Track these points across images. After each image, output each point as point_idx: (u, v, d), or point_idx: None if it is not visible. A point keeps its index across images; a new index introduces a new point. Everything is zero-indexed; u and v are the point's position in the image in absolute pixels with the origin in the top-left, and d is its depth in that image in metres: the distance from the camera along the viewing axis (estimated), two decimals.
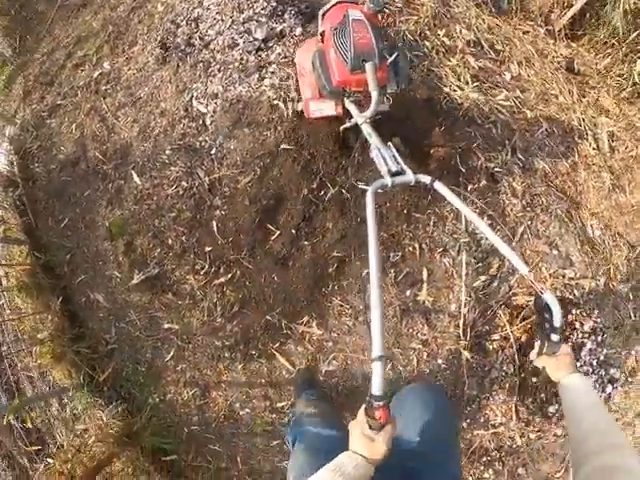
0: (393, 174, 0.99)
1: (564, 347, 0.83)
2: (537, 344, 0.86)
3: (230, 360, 1.58)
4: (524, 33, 1.95)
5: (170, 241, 1.61)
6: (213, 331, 1.58)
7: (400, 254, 1.42)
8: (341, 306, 1.46)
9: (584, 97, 1.89)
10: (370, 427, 0.66)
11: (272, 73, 1.55)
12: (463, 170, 1.54)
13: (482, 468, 1.49)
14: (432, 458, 0.83)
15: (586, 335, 1.36)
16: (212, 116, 1.61)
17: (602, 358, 1.40)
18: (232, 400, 1.57)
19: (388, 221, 1.43)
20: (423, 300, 1.42)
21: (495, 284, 1.46)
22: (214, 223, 1.56)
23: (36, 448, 1.48)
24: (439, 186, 0.96)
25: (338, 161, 1.45)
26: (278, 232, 1.48)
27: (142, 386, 1.55)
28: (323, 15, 1.24)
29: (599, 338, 1.38)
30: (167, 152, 1.67)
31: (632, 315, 1.66)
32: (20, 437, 1.51)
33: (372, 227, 0.83)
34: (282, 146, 1.46)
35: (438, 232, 1.45)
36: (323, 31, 1.19)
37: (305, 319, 1.52)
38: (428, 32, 1.89)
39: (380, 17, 1.23)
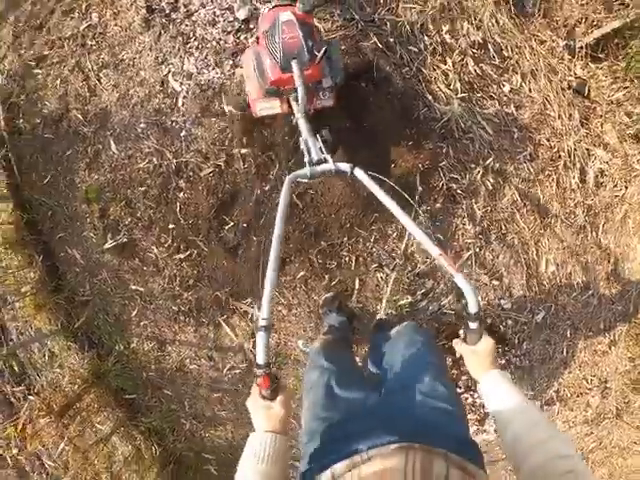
0: (314, 163, 1.02)
1: (484, 340, 0.76)
2: (462, 332, 0.82)
3: (184, 323, 1.79)
4: (540, 43, 1.75)
5: (139, 213, 1.74)
6: (171, 297, 1.77)
7: (336, 263, 1.51)
8: (277, 297, 1.60)
9: (585, 125, 1.74)
10: (264, 398, 0.69)
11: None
12: (420, 188, 1.54)
13: None
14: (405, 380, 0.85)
15: None
16: (184, 97, 1.62)
17: None
18: (183, 356, 1.82)
19: (330, 232, 1.49)
20: (352, 307, 1.53)
21: (424, 303, 1.55)
22: (178, 204, 1.66)
23: (21, 388, 1.76)
24: (359, 173, 0.98)
25: (288, 161, 1.47)
26: (231, 223, 1.58)
27: (110, 335, 1.80)
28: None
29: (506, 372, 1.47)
30: (142, 125, 1.72)
31: (564, 351, 1.73)
32: (8, 380, 1.78)
33: (281, 213, 0.87)
34: (241, 143, 1.49)
35: (377, 248, 1.51)
36: (258, 35, 1.19)
37: (249, 300, 1.69)
38: (431, 26, 1.73)
39: (312, 15, 1.20)
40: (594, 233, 1.77)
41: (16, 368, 1.78)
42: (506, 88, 1.77)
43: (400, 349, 0.99)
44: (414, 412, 0.75)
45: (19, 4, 2.02)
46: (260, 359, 0.69)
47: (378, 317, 1.55)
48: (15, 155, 1.83)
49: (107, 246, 1.76)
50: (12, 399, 1.77)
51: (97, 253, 1.80)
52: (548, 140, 1.74)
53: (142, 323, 1.82)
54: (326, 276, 1.53)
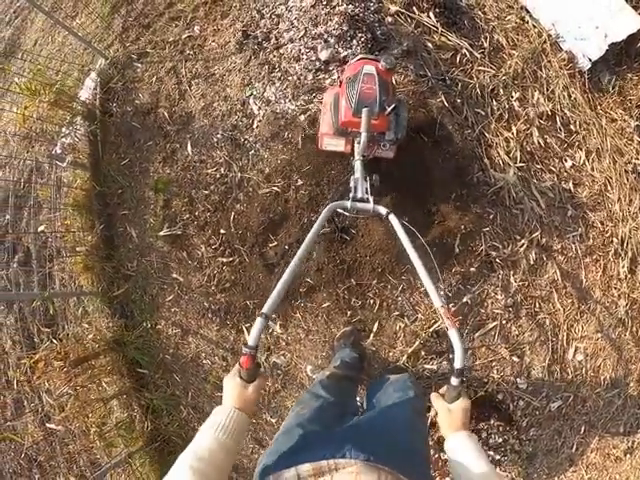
0: (356, 200, 1.12)
1: (462, 400, 0.76)
2: (443, 388, 0.82)
3: (210, 320, 1.93)
4: (611, 121, 1.72)
5: (197, 212, 1.92)
6: (206, 294, 1.91)
7: (360, 302, 1.57)
8: (300, 321, 1.69)
9: None
10: (242, 378, 0.74)
11: (320, 101, 1.65)
12: (457, 250, 1.56)
13: None
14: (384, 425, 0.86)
15: (485, 447, 1.42)
16: (260, 120, 1.79)
17: None
18: (200, 350, 1.95)
19: (362, 272, 1.56)
20: (365, 347, 1.58)
21: (437, 362, 1.56)
22: (232, 214, 1.81)
23: (48, 330, 1.99)
24: (392, 219, 1.06)
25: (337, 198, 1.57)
26: (275, 243, 1.70)
27: (142, 311, 1.98)
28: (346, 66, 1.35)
29: (497, 457, 1.43)
30: (218, 136, 1.91)
31: (574, 447, 1.64)
32: (39, 320, 2.02)
33: (311, 235, 0.96)
34: (300, 173, 1.62)
35: (403, 298, 1.55)
36: (342, 79, 1.32)
37: (273, 316, 1.79)
38: (502, 90, 1.77)
39: (393, 73, 1.32)
40: (634, 329, 1.68)
41: (51, 311, 1.97)
42: (568, 164, 1.75)
43: (390, 392, 1.04)
44: (387, 439, 0.77)
45: (132, 0, 2.23)
46: (251, 340, 0.75)
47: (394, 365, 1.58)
48: (103, 133, 2.06)
49: (162, 233, 1.96)
50: (36, 338, 1.99)
51: (151, 237, 1.99)
52: (602, 223, 1.70)
53: (173, 309, 1.98)
54: (348, 312, 1.59)
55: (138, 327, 1.94)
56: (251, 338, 0.76)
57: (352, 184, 1.17)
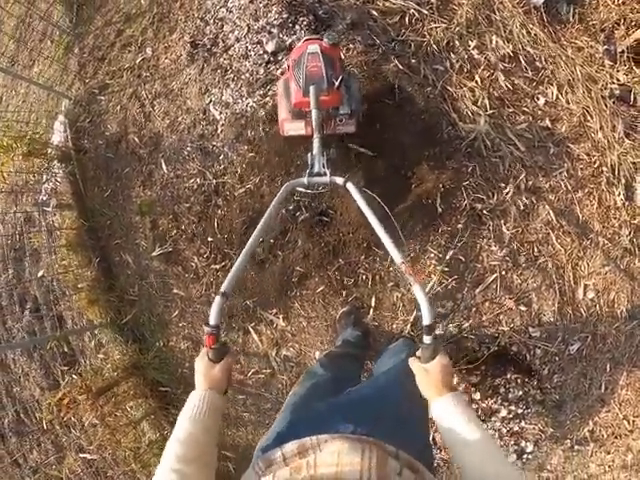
0: (313, 175, 1.13)
1: (439, 359, 0.70)
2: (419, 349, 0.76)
3: None
4: (577, 50, 1.65)
5: (184, 226, 1.95)
6: (207, 302, 1.94)
7: (353, 280, 1.56)
8: (299, 310, 1.70)
9: (630, 136, 1.60)
10: (209, 360, 0.74)
11: (274, 92, 1.65)
12: (440, 210, 1.53)
13: None
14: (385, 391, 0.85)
15: (505, 403, 1.38)
16: (223, 124, 1.80)
17: (516, 429, 1.41)
18: None
19: (347, 250, 1.55)
20: (367, 323, 1.57)
21: (442, 325, 1.53)
22: (216, 220, 1.84)
23: (67, 368, 2.06)
24: (350, 186, 1.07)
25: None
26: (260, 239, 1.71)
27: (152, 332, 2.03)
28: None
29: (520, 410, 1.39)
30: (188, 149, 1.94)
31: (603, 387, 1.58)
32: (57, 358, 2.10)
33: (267, 215, 1.01)
34: (270, 165, 1.62)
35: (394, 268, 1.53)
36: (289, 64, 1.33)
37: (274, 310, 1.80)
38: (457, 42, 1.72)
39: (339, 47, 1.32)
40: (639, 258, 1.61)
41: (66, 350, 2.05)
42: (541, 101, 1.69)
43: (385, 359, 1.04)
44: (376, 407, 0.76)
45: (83, 37, 2.26)
46: (212, 320, 0.76)
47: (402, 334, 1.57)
48: (80, 171, 2.12)
49: (155, 254, 2.00)
50: (60, 379, 2.06)
51: (146, 259, 2.05)
52: (588, 155, 1.63)
53: (181, 324, 2.03)
54: (343, 292, 1.59)
55: (152, 348, 1.99)
56: (211, 317, 0.77)
57: (309, 161, 1.18)
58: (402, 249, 1.34)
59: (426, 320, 0.73)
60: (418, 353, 0.75)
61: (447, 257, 1.48)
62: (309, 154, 1.20)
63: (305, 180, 1.11)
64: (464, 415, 0.63)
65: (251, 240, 0.93)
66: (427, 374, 0.70)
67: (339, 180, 1.09)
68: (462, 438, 0.61)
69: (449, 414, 0.65)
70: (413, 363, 0.74)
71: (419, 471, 0.56)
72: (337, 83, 1.20)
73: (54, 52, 2.29)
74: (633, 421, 1.51)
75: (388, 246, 0.90)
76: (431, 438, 1.48)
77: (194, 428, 0.66)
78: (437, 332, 0.74)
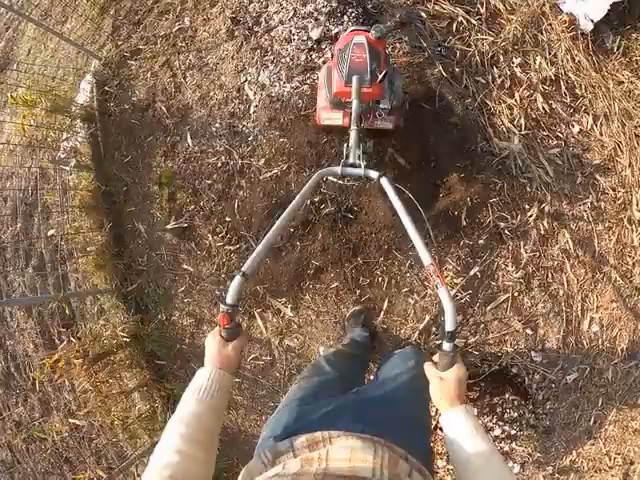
0: (347, 165, 1.10)
1: (456, 368, 0.69)
2: (436, 356, 0.75)
3: None
4: (617, 84, 1.65)
5: (202, 203, 1.93)
6: (216, 282, 1.93)
7: (369, 280, 1.56)
8: (309, 302, 1.70)
9: None
10: (222, 338, 0.73)
11: (314, 80, 1.63)
12: (464, 223, 1.54)
13: None
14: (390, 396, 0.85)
15: (500, 423, 1.40)
16: (256, 105, 1.78)
17: (507, 449, 1.44)
18: None
19: (368, 250, 1.55)
20: (376, 325, 1.58)
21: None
22: (236, 201, 1.82)
23: (64, 329, 2.04)
24: (384, 181, 1.04)
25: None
26: (288, 223, 1.70)
27: (156, 304, 2.02)
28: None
29: (513, 431, 1.41)
30: (217, 125, 1.91)
31: (592, 420, 1.62)
32: (56, 318, 2.07)
33: (296, 201, 0.99)
34: (300, 154, 1.61)
35: (411, 274, 1.54)
36: (333, 52, 1.33)
37: (283, 299, 1.80)
38: (502, 57, 1.72)
39: (385, 42, 1.30)
40: None
41: (67, 311, 2.02)
42: (575, 129, 1.69)
43: (393, 364, 1.05)
44: (385, 410, 0.75)
45: None
46: (229, 299, 0.74)
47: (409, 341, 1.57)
48: (103, 133, 2.08)
49: (169, 226, 1.98)
50: (56, 339, 2.05)
51: (160, 231, 2.02)
52: (614, 190, 1.64)
53: (186, 300, 2.01)
54: (357, 291, 1.59)
55: (153, 320, 1.98)
56: (229, 296, 0.75)
57: (345, 151, 1.17)
58: (431, 250, 1.33)
59: (449, 326, 0.72)
60: (435, 358, 0.74)
61: (470, 274, 1.49)
62: (345, 145, 1.18)
63: (339, 170, 1.08)
64: (473, 429, 0.63)
65: (278, 223, 0.91)
66: (442, 382, 0.69)
67: (373, 174, 1.06)
68: (470, 454, 0.60)
69: (459, 427, 0.64)
70: (429, 369, 0.73)
71: (426, 475, 0.58)
72: (380, 77, 1.19)
73: (89, 11, 2.23)
74: (614, 458, 1.55)
75: (418, 245, 0.86)
76: None
77: (200, 408, 0.64)
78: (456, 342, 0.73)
